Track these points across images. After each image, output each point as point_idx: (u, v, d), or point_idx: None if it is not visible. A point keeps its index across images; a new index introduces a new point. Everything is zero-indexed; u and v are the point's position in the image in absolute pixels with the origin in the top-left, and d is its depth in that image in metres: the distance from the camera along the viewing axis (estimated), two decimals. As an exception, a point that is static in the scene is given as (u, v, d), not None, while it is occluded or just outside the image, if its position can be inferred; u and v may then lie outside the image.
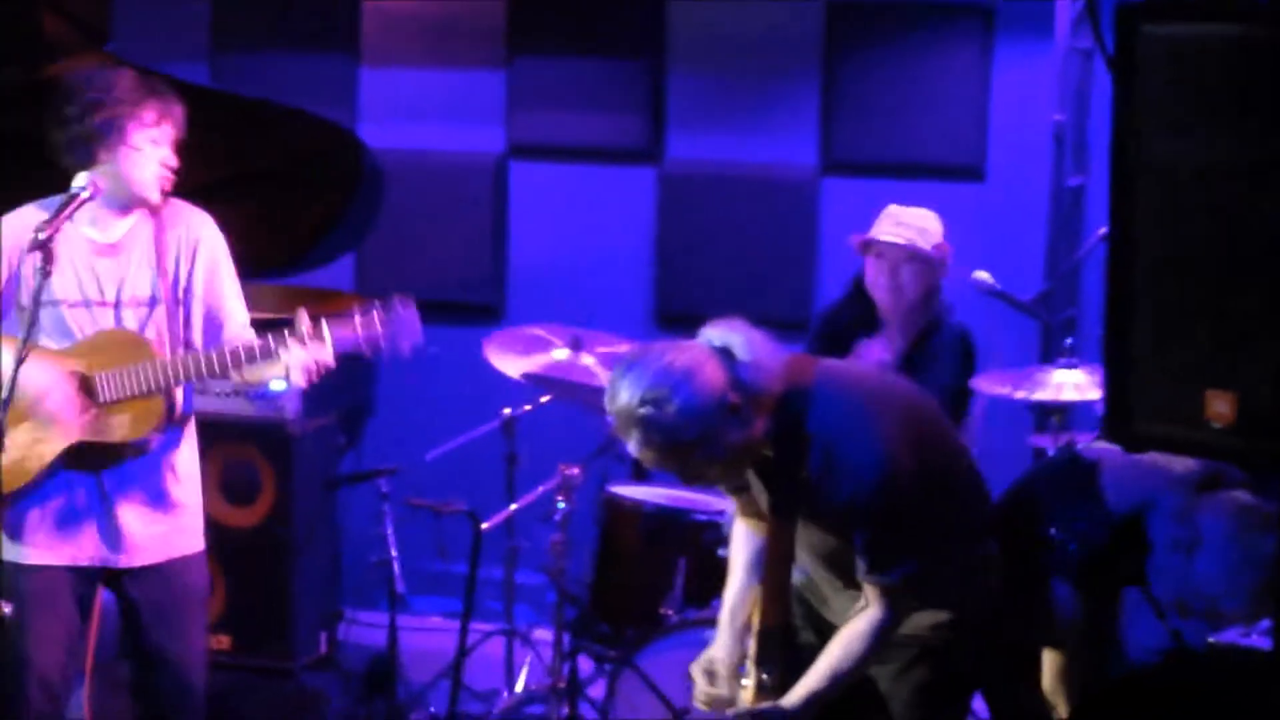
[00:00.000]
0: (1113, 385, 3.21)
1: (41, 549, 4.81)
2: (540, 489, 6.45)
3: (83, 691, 5.29)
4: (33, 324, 4.44)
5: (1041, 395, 5.82)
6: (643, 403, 3.96)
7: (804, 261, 7.79)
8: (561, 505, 6.24)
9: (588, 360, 6.20)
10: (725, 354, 4.06)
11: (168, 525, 4.92)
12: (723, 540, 5.69)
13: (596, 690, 6.17)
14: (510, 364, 6.24)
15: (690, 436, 3.99)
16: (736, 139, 7.85)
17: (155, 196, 4.80)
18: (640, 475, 6.38)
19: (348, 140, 6.63)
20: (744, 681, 4.30)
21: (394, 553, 6.44)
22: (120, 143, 4.71)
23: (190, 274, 4.89)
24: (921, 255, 5.80)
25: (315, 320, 4.72)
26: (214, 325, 4.93)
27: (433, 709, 6.61)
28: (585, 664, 6.27)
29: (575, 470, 6.27)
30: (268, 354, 4.72)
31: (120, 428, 4.76)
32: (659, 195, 7.98)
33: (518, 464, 6.70)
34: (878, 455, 4.09)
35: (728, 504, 4.90)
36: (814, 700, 4.18)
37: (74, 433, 4.74)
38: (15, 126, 6.16)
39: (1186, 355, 3.07)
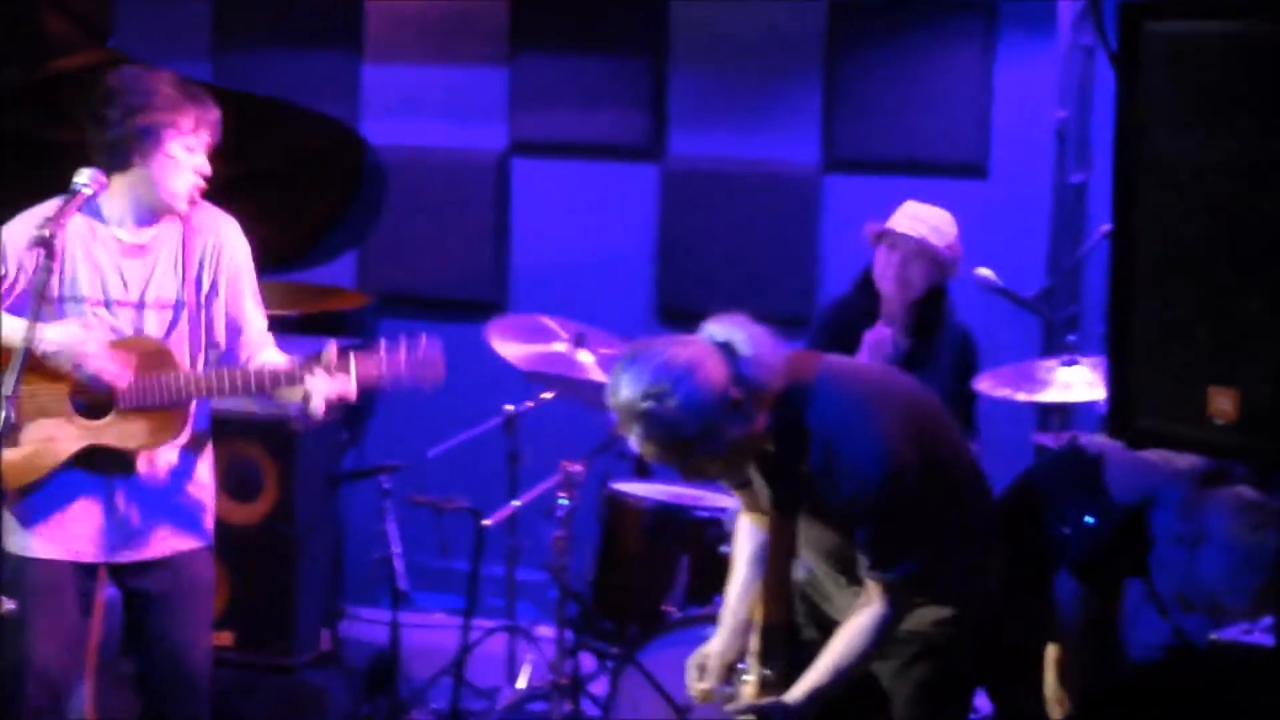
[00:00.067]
0: (1115, 382, 3.21)
1: (47, 542, 4.81)
2: (542, 486, 6.45)
3: (85, 688, 5.28)
4: (35, 322, 4.43)
5: (1043, 395, 5.83)
6: (644, 397, 3.97)
7: (805, 259, 7.79)
8: (563, 502, 6.24)
9: (587, 358, 6.20)
10: (727, 349, 4.07)
11: (175, 520, 4.92)
12: (725, 537, 5.70)
13: (599, 687, 6.18)
14: (512, 350, 6.24)
15: (692, 431, 3.99)
16: (738, 136, 7.85)
17: (184, 206, 4.80)
18: (642, 472, 6.38)
19: (350, 137, 6.64)
20: (746, 677, 4.30)
21: (396, 549, 6.44)
22: (156, 150, 4.70)
23: (214, 279, 4.88)
24: (933, 251, 5.86)
25: (342, 353, 4.75)
26: (234, 331, 4.93)
27: (435, 706, 6.61)
28: (587, 661, 6.28)
29: (577, 467, 6.27)
30: (291, 380, 4.75)
31: (137, 436, 4.76)
32: (661, 192, 7.98)
33: (520, 461, 6.70)
34: (879, 451, 4.10)
35: (730, 501, 4.90)
36: (817, 695, 4.19)
37: (86, 436, 4.74)
38: (17, 125, 6.18)
39: (1189, 352, 3.07)
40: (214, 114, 4.80)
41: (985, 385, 5.92)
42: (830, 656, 4.21)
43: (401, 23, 8.19)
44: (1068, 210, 7.43)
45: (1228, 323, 3.01)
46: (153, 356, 4.74)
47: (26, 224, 4.68)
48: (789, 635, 4.28)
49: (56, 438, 4.73)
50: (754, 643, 4.29)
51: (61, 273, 4.71)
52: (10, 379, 4.30)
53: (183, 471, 4.93)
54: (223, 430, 5.21)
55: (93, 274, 4.75)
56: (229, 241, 4.94)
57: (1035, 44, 7.44)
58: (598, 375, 6.02)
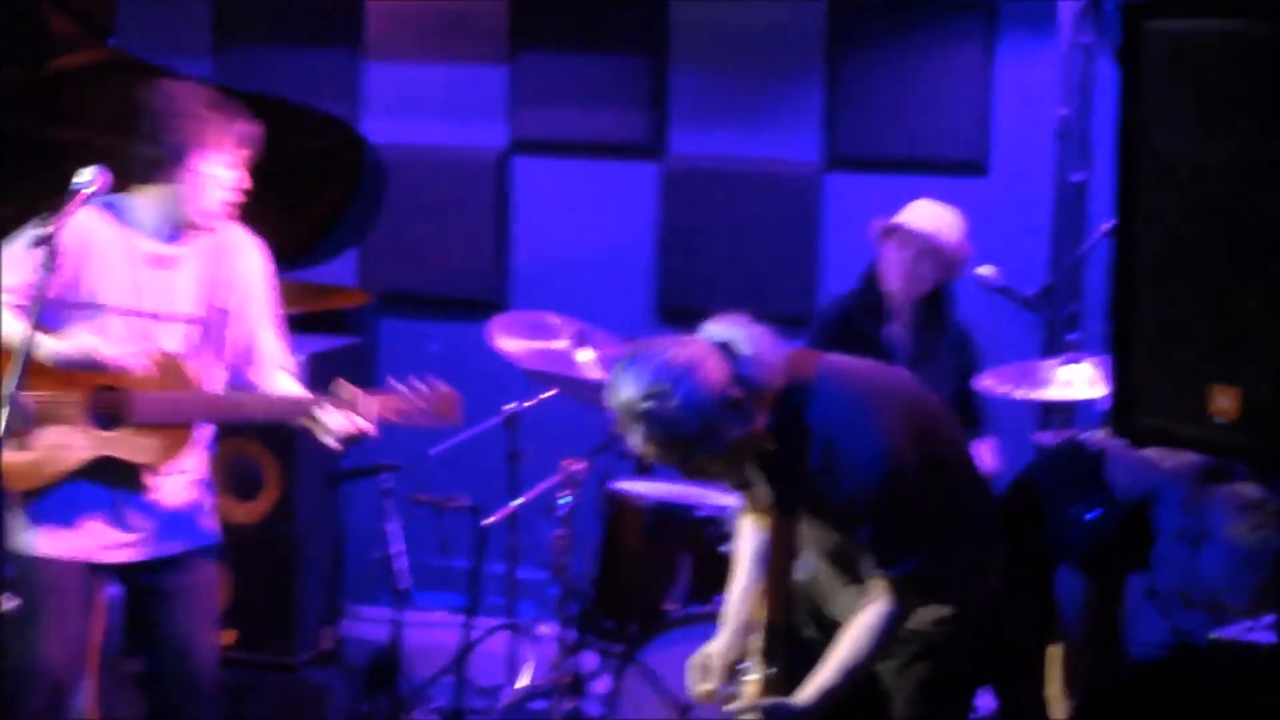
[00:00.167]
0: (1118, 380, 3.21)
1: (55, 541, 4.80)
2: (543, 484, 6.45)
3: (86, 688, 5.28)
4: (37, 321, 4.42)
5: (1044, 392, 5.84)
6: (645, 398, 3.97)
7: (807, 257, 7.79)
8: (564, 500, 6.24)
9: (588, 356, 6.20)
10: (727, 349, 4.07)
11: (182, 520, 4.92)
12: (726, 535, 5.70)
13: (600, 686, 6.17)
14: (514, 347, 6.24)
15: (692, 431, 3.99)
16: (739, 134, 7.85)
17: (213, 222, 4.80)
18: (643, 471, 6.38)
19: (351, 136, 6.63)
20: (749, 677, 4.30)
21: (397, 548, 6.44)
22: (187, 166, 4.70)
23: (235, 300, 4.89)
24: (942, 249, 5.91)
25: (358, 392, 4.76)
26: (248, 354, 4.94)
27: (436, 704, 6.62)
28: (589, 659, 6.27)
29: (578, 466, 6.27)
30: (306, 413, 4.76)
31: (147, 451, 4.76)
32: (662, 191, 7.98)
33: (521, 459, 6.70)
34: (879, 449, 4.10)
35: (730, 499, 4.90)
36: (825, 696, 4.19)
37: (97, 446, 4.74)
38: (18, 124, 6.17)
39: (1191, 351, 3.07)
40: (246, 128, 4.79)
41: (987, 383, 5.94)
42: (838, 656, 4.20)
43: (402, 21, 8.19)
44: (1068, 209, 7.43)
45: (1229, 321, 3.01)
46: (171, 374, 4.75)
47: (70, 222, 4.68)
48: (791, 635, 4.28)
49: (67, 445, 4.73)
50: (756, 642, 4.29)
51: (83, 278, 4.70)
52: (10, 381, 4.29)
53: (189, 473, 4.93)
54: (224, 429, 5.21)
55: (117, 282, 4.74)
56: (253, 264, 4.96)
57: (1035, 42, 7.44)
58: (598, 374, 6.02)
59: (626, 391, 3.99)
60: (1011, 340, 6.84)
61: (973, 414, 6.06)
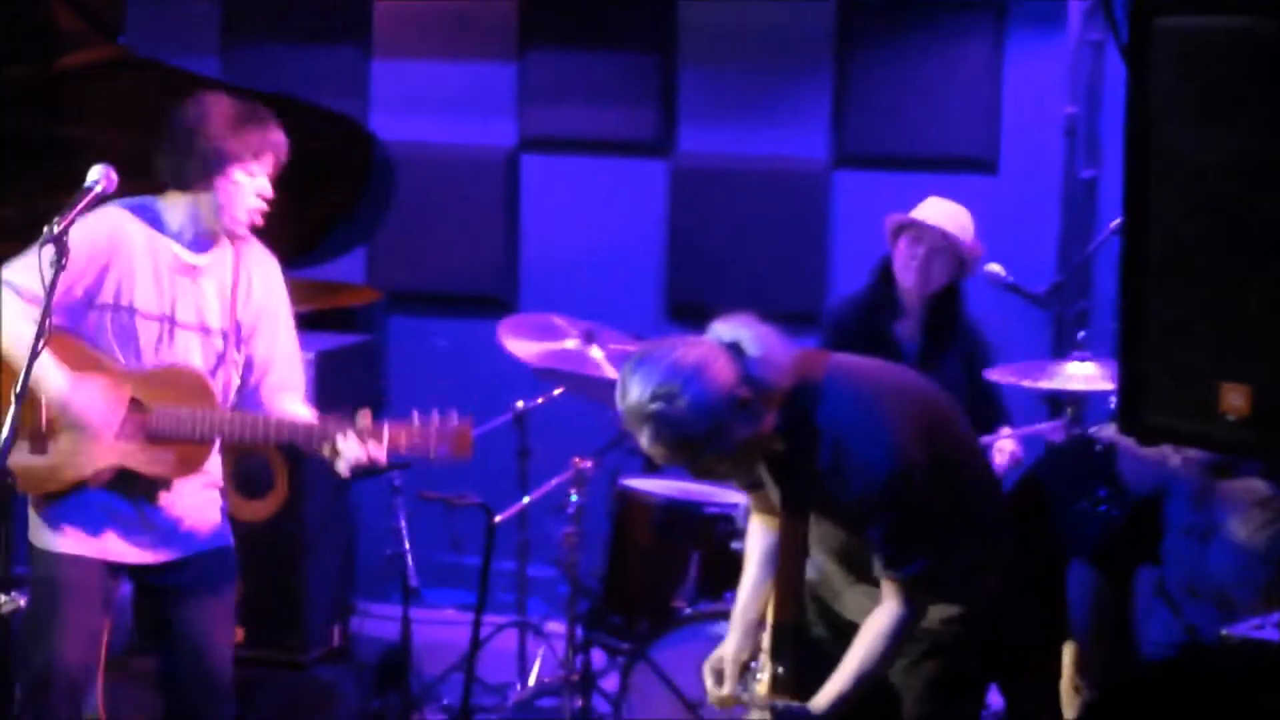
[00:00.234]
0: (1127, 378, 3.21)
1: (76, 539, 4.80)
2: (553, 482, 6.45)
3: (95, 686, 5.28)
4: (44, 319, 4.41)
5: (1050, 382, 5.84)
6: (653, 398, 3.96)
7: (815, 254, 7.79)
8: (574, 498, 6.25)
9: (597, 354, 6.21)
10: (735, 349, 4.06)
11: (199, 521, 4.93)
12: (735, 533, 5.71)
13: (610, 683, 6.17)
14: (523, 348, 6.24)
15: (700, 432, 3.99)
16: (748, 132, 7.85)
17: (242, 230, 4.81)
18: (652, 468, 6.38)
19: (359, 133, 6.63)
20: (759, 675, 4.30)
21: (407, 546, 6.45)
22: (218, 175, 4.70)
23: (254, 317, 4.90)
24: (958, 245, 5.93)
25: (375, 422, 4.76)
26: (262, 371, 4.95)
27: (446, 701, 6.62)
28: (598, 656, 6.28)
29: (588, 463, 6.27)
30: (324, 438, 4.76)
31: (164, 464, 4.77)
32: (670, 188, 7.98)
33: (530, 457, 6.71)
34: (887, 449, 4.09)
35: (740, 497, 4.89)
36: (840, 701, 4.17)
37: (116, 456, 4.75)
38: (26, 122, 6.17)
39: (1200, 348, 3.07)
40: (279, 138, 4.80)
41: (994, 377, 5.94)
42: (852, 661, 4.19)
43: (410, 19, 8.19)
44: (1078, 206, 7.43)
45: (1238, 318, 3.01)
46: (193, 390, 4.76)
47: (81, 233, 4.67)
48: (800, 634, 4.28)
49: (84, 453, 4.73)
50: (766, 641, 4.29)
51: (110, 278, 4.71)
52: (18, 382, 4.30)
53: (205, 476, 4.95)
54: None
55: (144, 285, 4.75)
56: (273, 283, 4.98)
57: (1044, 40, 7.44)
58: (608, 372, 6.03)
59: (635, 392, 3.99)
60: (1020, 337, 6.84)
61: (994, 407, 6.07)
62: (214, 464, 4.97)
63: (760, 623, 4.38)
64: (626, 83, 7.97)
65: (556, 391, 6.52)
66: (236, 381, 4.89)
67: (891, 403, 4.19)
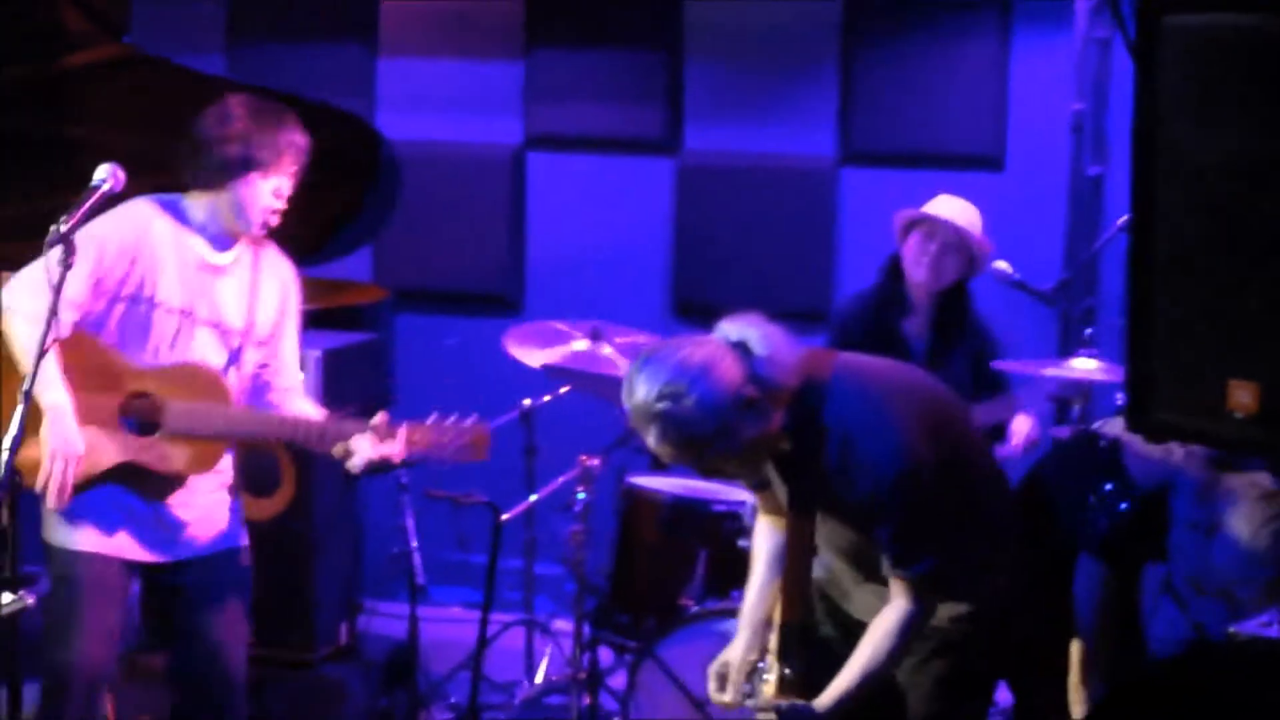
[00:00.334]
0: (1134, 375, 3.21)
1: (94, 536, 4.81)
2: (560, 480, 6.46)
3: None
4: (51, 316, 4.41)
5: (1057, 372, 5.86)
6: (660, 398, 3.96)
7: (822, 252, 7.79)
8: (581, 496, 6.25)
9: (607, 351, 6.21)
10: (742, 348, 4.06)
11: (213, 520, 4.94)
12: (743, 530, 5.71)
13: (617, 680, 6.18)
14: (530, 356, 6.25)
15: (707, 431, 3.98)
16: (754, 130, 7.85)
17: (257, 231, 4.83)
18: (659, 466, 6.38)
19: (366, 132, 6.62)
20: (766, 676, 4.30)
21: (414, 544, 6.45)
22: (237, 177, 4.73)
23: (271, 320, 4.94)
24: (970, 242, 5.95)
25: (392, 423, 4.80)
26: (273, 372, 4.98)
27: (453, 699, 6.62)
28: (605, 654, 6.28)
29: (595, 461, 6.27)
30: (339, 437, 4.79)
31: (178, 460, 4.79)
32: (677, 186, 7.98)
33: (537, 455, 6.71)
34: (895, 448, 4.08)
35: (748, 495, 4.89)
36: (846, 699, 4.17)
37: (127, 452, 4.75)
38: (32, 121, 6.17)
39: (1207, 346, 3.07)
40: (299, 140, 4.82)
41: (1001, 366, 5.97)
42: (859, 660, 4.19)
43: (416, 17, 8.20)
44: (1084, 203, 7.43)
45: (1246, 316, 3.01)
46: (207, 387, 4.77)
47: (110, 225, 4.68)
48: (807, 633, 4.28)
49: (97, 448, 4.73)
50: (773, 641, 4.29)
51: (135, 271, 4.73)
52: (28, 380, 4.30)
53: (220, 475, 4.96)
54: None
55: (175, 281, 4.77)
56: (290, 288, 5.01)
57: (1051, 37, 7.44)
58: (620, 365, 6.02)
59: (641, 391, 3.99)
60: (1027, 335, 6.84)
61: (999, 384, 6.06)
62: (228, 463, 4.98)
63: (768, 623, 4.38)
64: (632, 81, 7.97)
65: (563, 389, 6.52)
66: (248, 381, 4.90)
67: (899, 401, 4.19)
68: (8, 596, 4.42)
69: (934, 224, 5.97)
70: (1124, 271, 3.25)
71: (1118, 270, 6.97)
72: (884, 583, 4.21)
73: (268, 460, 6.55)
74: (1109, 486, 4.62)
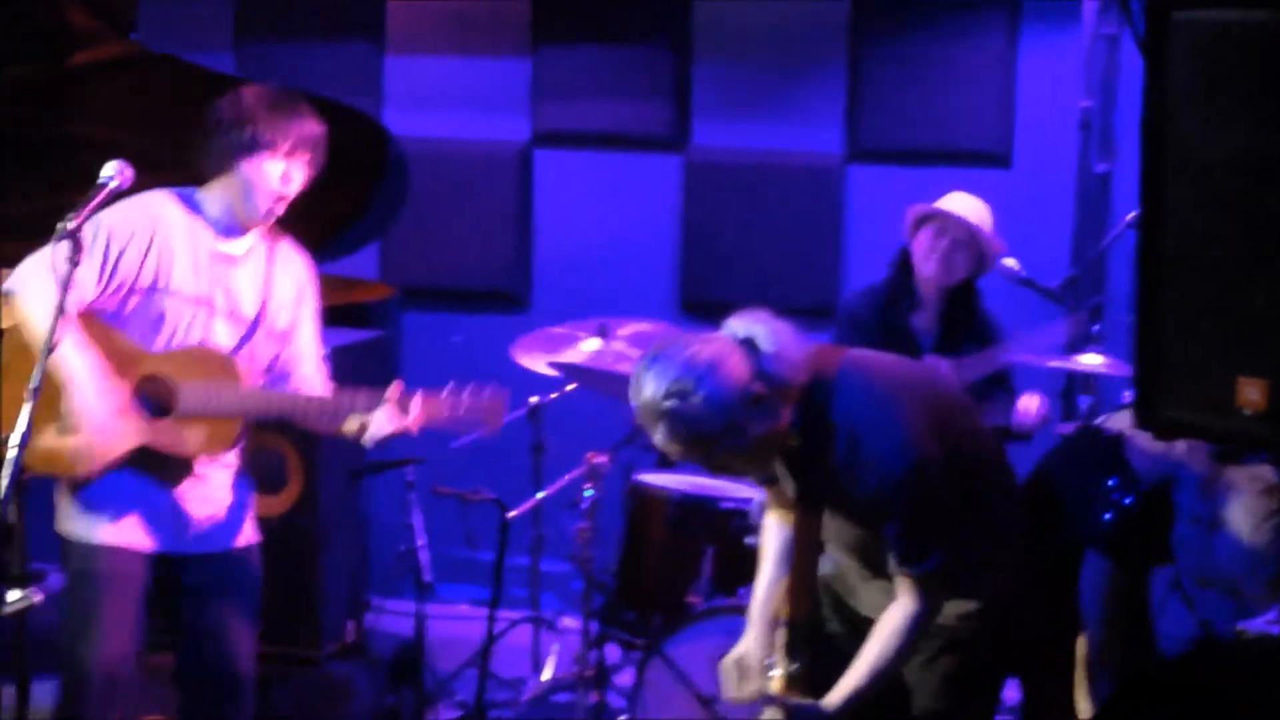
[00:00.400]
0: (1142, 372, 3.20)
1: (114, 528, 4.80)
2: (567, 477, 6.45)
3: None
4: (58, 314, 4.40)
5: (1063, 363, 5.87)
6: (667, 395, 3.96)
7: (830, 249, 7.79)
8: (588, 493, 6.24)
9: (617, 345, 6.20)
10: (749, 345, 4.06)
11: (229, 516, 4.95)
12: (750, 528, 5.71)
13: (624, 678, 6.18)
14: (539, 363, 6.23)
15: (715, 428, 3.98)
16: (762, 127, 7.85)
17: (264, 218, 4.83)
18: (667, 463, 6.38)
19: (374, 129, 6.63)
20: (773, 673, 4.30)
21: (421, 541, 6.45)
22: (246, 158, 4.74)
23: (289, 312, 4.95)
24: (982, 239, 5.96)
25: (406, 393, 4.81)
26: (293, 363, 4.99)
27: (460, 697, 6.63)
28: (612, 652, 6.28)
29: (602, 458, 6.26)
30: (353, 410, 4.82)
31: (193, 442, 4.79)
32: (684, 183, 7.98)
33: (544, 452, 6.71)
34: (901, 444, 4.08)
35: (755, 492, 4.88)
36: (854, 699, 4.17)
37: (143, 435, 4.75)
38: (38, 118, 6.18)
39: (1216, 342, 3.06)
40: (312, 129, 4.84)
41: (1011, 357, 5.98)
42: (866, 658, 4.19)
43: (423, 15, 8.20)
44: (1092, 200, 7.43)
45: (1255, 312, 3.00)
46: (218, 367, 4.78)
47: (123, 214, 4.68)
48: (815, 630, 4.28)
49: (115, 431, 4.73)
50: (780, 638, 4.29)
51: (149, 261, 4.73)
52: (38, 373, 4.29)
53: (236, 469, 4.96)
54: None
55: (189, 270, 4.78)
56: (306, 282, 5.02)
57: (1059, 34, 7.44)
58: (627, 364, 6.02)
59: (649, 389, 3.99)
60: (1035, 332, 6.83)
61: (1009, 395, 6.08)
62: (238, 456, 4.97)
63: (776, 618, 4.38)
64: (640, 78, 7.97)
65: (570, 387, 6.51)
66: (263, 369, 4.91)
67: (906, 398, 4.19)
68: (16, 593, 4.42)
69: (946, 219, 5.97)
70: (1132, 268, 3.24)
71: (1125, 267, 6.97)
72: (892, 579, 4.21)
73: (275, 458, 6.55)
74: (1112, 481, 4.62)
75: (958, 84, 7.57)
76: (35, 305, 4.56)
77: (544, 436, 6.69)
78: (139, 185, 4.66)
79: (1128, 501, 4.56)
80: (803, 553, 4.23)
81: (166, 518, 4.84)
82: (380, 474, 6.74)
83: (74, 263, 4.31)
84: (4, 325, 4.75)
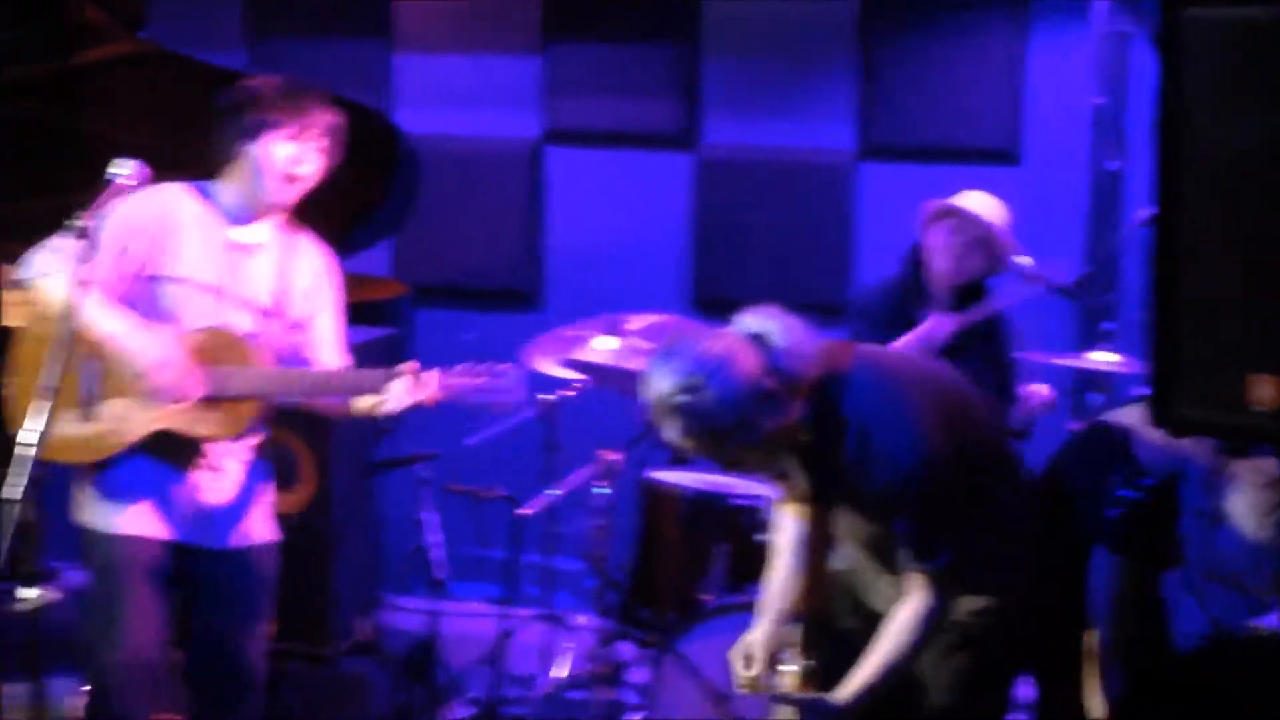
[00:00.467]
0: (1157, 370, 3.20)
1: (135, 517, 4.79)
2: (580, 474, 6.45)
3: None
4: (70, 312, 4.40)
5: (1073, 361, 5.87)
6: (679, 391, 3.97)
7: (840, 246, 7.80)
8: (601, 491, 6.24)
9: (631, 340, 6.19)
10: (760, 341, 4.06)
11: (245, 512, 4.95)
12: (763, 525, 5.71)
13: (637, 675, 6.18)
14: (557, 368, 6.23)
15: (726, 423, 3.99)
16: (773, 124, 7.85)
17: (275, 202, 4.84)
18: (679, 460, 6.38)
19: (385, 127, 6.64)
20: (788, 668, 4.30)
21: (434, 538, 6.45)
22: (254, 138, 4.76)
23: (308, 303, 4.96)
24: (996, 239, 5.95)
25: (423, 370, 4.81)
26: (312, 347, 5.00)
27: (473, 694, 6.63)
28: (626, 649, 6.28)
29: (615, 456, 6.27)
30: (369, 386, 4.81)
31: (209, 424, 4.78)
32: (695, 180, 7.98)
33: (557, 450, 6.71)
34: (912, 440, 4.09)
35: (767, 489, 4.88)
36: (865, 693, 4.18)
37: (161, 419, 4.75)
38: (48, 114, 6.19)
39: (1230, 339, 3.06)
40: (324, 115, 4.86)
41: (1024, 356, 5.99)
42: (878, 653, 4.20)
43: (433, 12, 8.21)
44: (1104, 197, 7.42)
45: (1268, 309, 3.00)
46: (234, 349, 4.78)
47: (131, 204, 4.68)
48: (829, 625, 4.28)
49: (129, 418, 4.74)
50: (794, 634, 4.29)
51: (164, 251, 4.75)
52: (54, 368, 4.30)
53: (255, 463, 4.97)
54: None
55: (196, 258, 4.79)
56: (325, 275, 5.03)
57: (1069, 30, 7.44)
58: (639, 359, 6.02)
59: (661, 385, 4.00)
60: (1047, 330, 6.83)
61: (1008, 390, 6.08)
62: (253, 446, 4.97)
63: (788, 614, 4.39)
64: (651, 75, 7.97)
65: (582, 384, 6.51)
66: (275, 358, 4.90)
67: (918, 394, 4.19)
68: (33, 591, 4.42)
69: (963, 217, 5.96)
70: (1144, 265, 3.24)
71: (1137, 265, 6.96)
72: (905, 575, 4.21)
73: (288, 456, 6.56)
74: (1120, 478, 4.62)
75: (968, 81, 7.57)
76: (54, 285, 4.57)
77: (557, 434, 6.69)
78: (151, 183, 4.68)
79: (1134, 497, 4.56)
80: (815, 548, 4.24)
81: (183, 506, 4.83)
82: (393, 471, 6.75)
83: (85, 259, 4.32)
84: (13, 323, 4.76)
